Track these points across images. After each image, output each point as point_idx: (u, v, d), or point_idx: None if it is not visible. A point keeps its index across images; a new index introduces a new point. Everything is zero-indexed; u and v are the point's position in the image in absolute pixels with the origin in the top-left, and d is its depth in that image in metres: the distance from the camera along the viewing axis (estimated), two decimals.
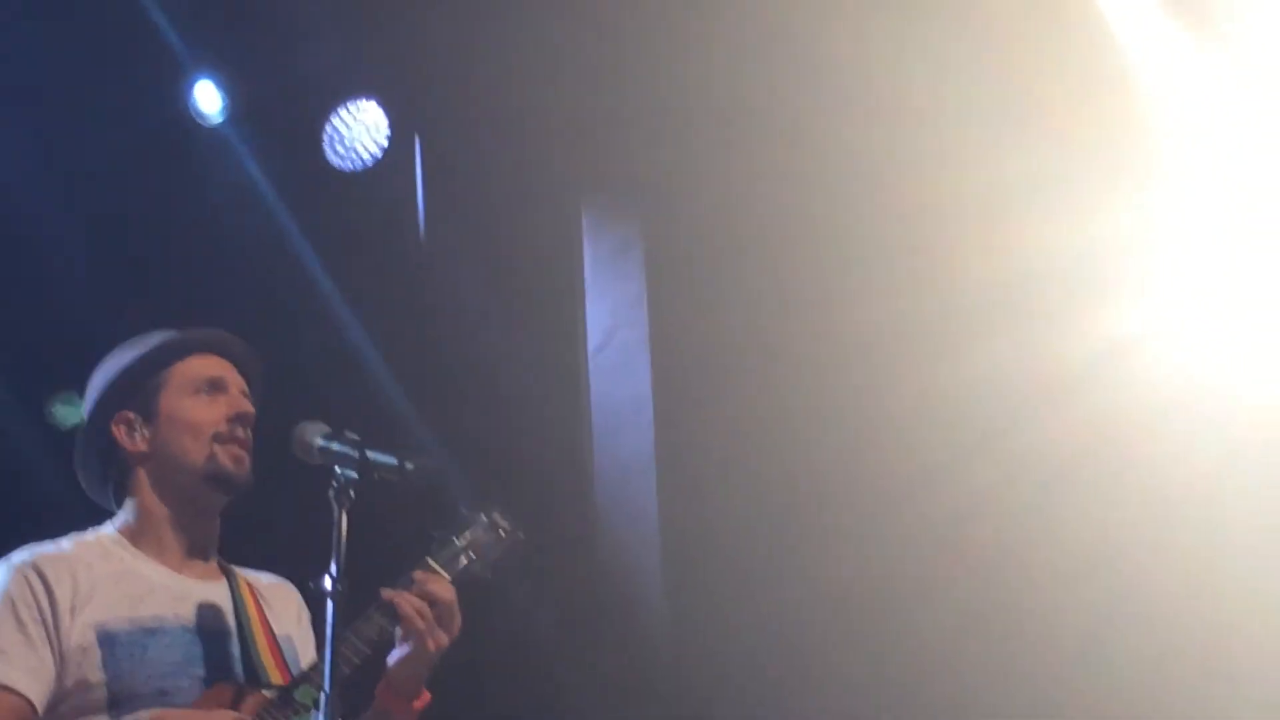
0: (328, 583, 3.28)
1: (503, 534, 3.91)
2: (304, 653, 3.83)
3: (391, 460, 3.46)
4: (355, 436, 3.50)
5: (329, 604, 3.27)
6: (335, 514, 3.36)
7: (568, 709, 6.24)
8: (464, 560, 3.81)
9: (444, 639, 3.59)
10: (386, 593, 3.60)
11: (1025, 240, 5.66)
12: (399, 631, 3.60)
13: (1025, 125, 5.61)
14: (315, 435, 3.52)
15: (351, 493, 3.37)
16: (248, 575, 3.93)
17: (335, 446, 3.46)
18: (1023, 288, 5.68)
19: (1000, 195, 5.64)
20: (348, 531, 3.34)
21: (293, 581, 3.92)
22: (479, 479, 6.08)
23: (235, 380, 3.87)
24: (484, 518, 3.94)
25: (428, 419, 6.38)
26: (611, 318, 6.80)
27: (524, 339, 6.77)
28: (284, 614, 3.86)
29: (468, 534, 3.88)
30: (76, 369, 4.12)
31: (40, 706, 3.55)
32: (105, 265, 6.05)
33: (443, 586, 3.65)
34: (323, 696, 3.22)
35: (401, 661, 3.63)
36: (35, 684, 3.55)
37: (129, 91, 6.24)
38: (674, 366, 6.54)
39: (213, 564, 3.86)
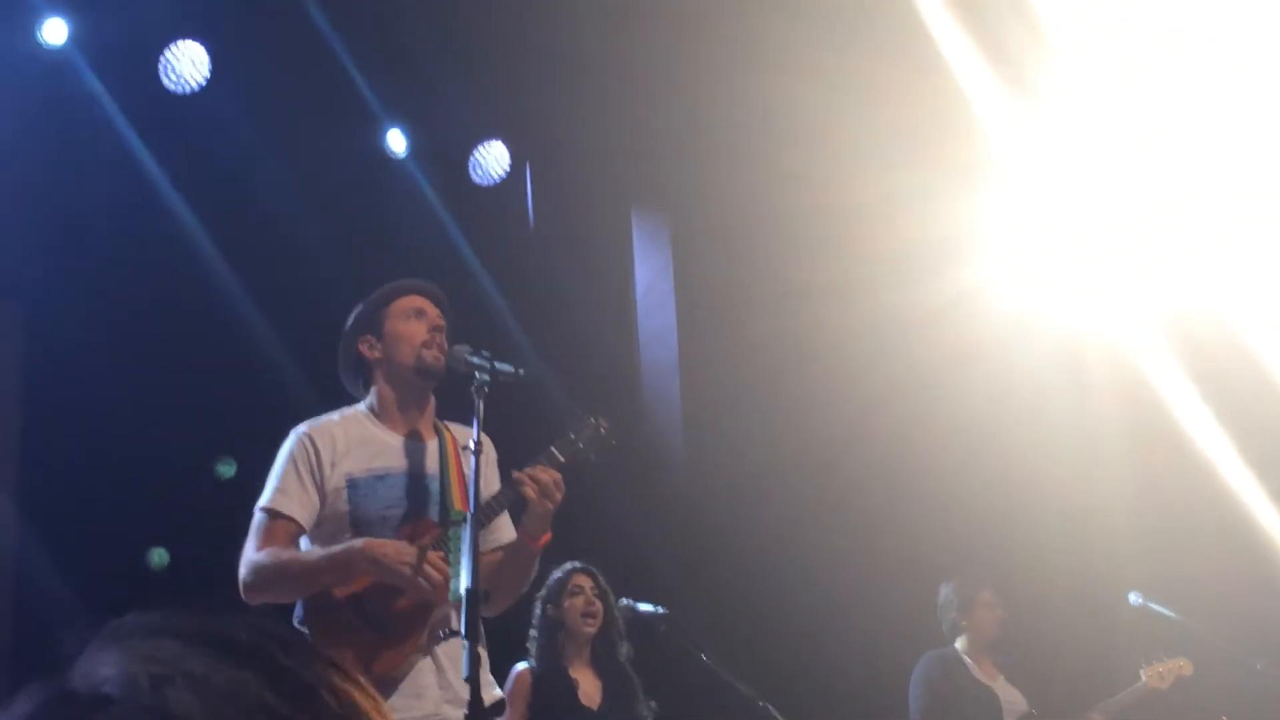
0: (471, 445, 3.85)
1: (603, 432, 4.22)
2: (486, 487, 4.07)
3: (510, 368, 3.97)
4: (487, 353, 4.01)
5: (472, 459, 3.81)
6: (475, 402, 3.86)
7: (616, 537, 6.77)
8: (576, 448, 4.15)
9: (548, 505, 3.98)
10: (515, 474, 4.01)
11: (903, 223, 6.69)
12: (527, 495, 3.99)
13: (903, 149, 6.61)
14: (463, 352, 4.02)
15: (485, 389, 3.90)
16: (455, 430, 4.27)
17: (475, 359, 3.97)
18: (904, 255, 6.73)
19: (886, 194, 6.64)
20: (484, 414, 3.86)
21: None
22: (567, 380, 6.73)
23: (431, 309, 4.24)
24: (592, 420, 4.21)
25: (534, 341, 7.07)
26: (651, 275, 7.72)
27: (595, 289, 7.67)
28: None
29: (582, 431, 4.19)
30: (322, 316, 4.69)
31: (308, 526, 4.06)
32: (337, 254, 6.64)
33: (548, 471, 3.98)
34: (469, 516, 3.75)
35: (527, 515, 4.03)
36: (305, 513, 4.05)
37: (332, 133, 6.92)
38: (692, 305, 7.60)
39: (429, 425, 4.23)
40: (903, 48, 6.49)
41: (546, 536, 4.08)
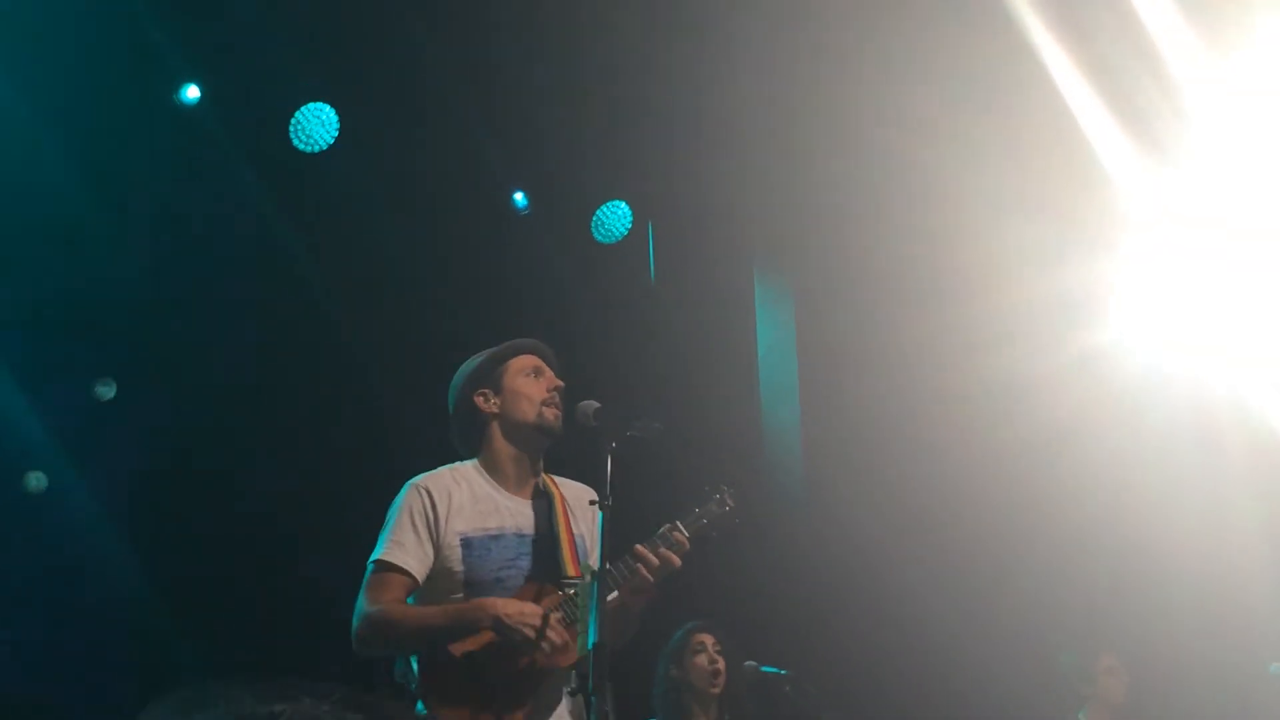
0: (599, 500, 3.81)
1: (729, 509, 4.22)
2: (592, 545, 4.08)
3: (638, 423, 3.95)
4: (614, 409, 3.99)
5: (599, 513, 3.80)
6: (604, 459, 3.83)
7: (738, 597, 6.66)
8: (701, 524, 4.16)
9: (657, 580, 4.02)
10: (639, 548, 4.04)
11: (1030, 282, 6.56)
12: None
13: (1027, 207, 6.52)
14: (590, 409, 4.00)
15: (613, 444, 3.85)
16: (562, 485, 4.27)
17: (605, 417, 3.97)
18: (1031, 313, 6.57)
19: (1013, 252, 6.55)
20: (611, 467, 3.81)
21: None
22: (689, 438, 6.05)
23: (548, 370, 4.27)
24: (718, 496, 4.22)
25: (655, 399, 6.89)
26: (773, 333, 7.63)
27: (717, 348, 7.62)
28: (582, 516, 4.20)
29: (706, 506, 4.21)
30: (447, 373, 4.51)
31: (421, 580, 4.04)
32: (460, 310, 6.70)
33: (670, 556, 4.01)
34: (600, 570, 3.76)
35: (637, 577, 4.02)
36: (419, 566, 4.03)
37: (455, 192, 7.00)
38: (814, 363, 7.44)
39: (539, 482, 4.23)
40: (1031, 106, 6.39)
41: (650, 596, 4.08)
